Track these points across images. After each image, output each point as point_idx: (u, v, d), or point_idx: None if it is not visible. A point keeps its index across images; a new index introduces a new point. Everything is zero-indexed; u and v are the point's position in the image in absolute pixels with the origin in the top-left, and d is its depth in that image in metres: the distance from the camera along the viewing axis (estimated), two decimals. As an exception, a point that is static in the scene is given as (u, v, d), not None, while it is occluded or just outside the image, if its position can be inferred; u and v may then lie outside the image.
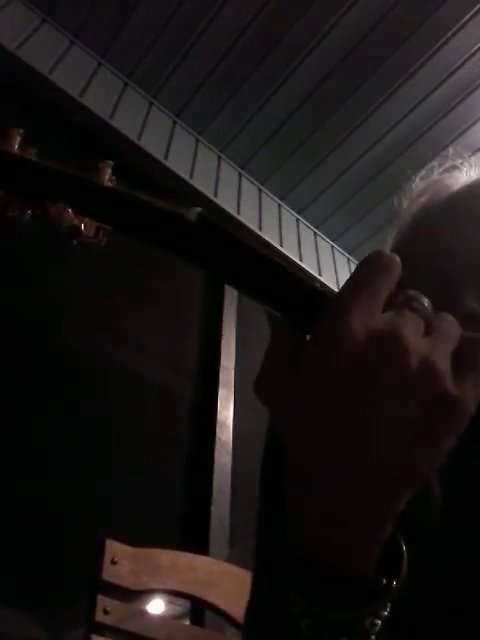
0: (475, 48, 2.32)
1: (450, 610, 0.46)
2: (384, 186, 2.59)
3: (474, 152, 0.75)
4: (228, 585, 1.07)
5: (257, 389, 0.36)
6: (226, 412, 2.11)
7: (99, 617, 0.89)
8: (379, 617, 0.34)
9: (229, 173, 2.76)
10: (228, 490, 1.91)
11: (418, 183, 0.76)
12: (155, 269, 2.19)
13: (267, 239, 2.67)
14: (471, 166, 0.73)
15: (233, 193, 2.69)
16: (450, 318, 0.36)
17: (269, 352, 0.36)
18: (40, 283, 1.91)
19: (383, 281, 0.34)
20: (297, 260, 2.76)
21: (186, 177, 2.49)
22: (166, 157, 2.46)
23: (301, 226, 2.98)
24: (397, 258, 0.35)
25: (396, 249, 0.71)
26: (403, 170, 0.78)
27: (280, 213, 2.89)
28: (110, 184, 0.36)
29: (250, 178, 2.84)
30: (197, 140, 2.70)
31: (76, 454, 1.69)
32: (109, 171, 0.37)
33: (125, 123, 2.38)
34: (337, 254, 3.08)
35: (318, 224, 3.03)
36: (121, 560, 0.95)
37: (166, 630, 0.98)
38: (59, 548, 1.50)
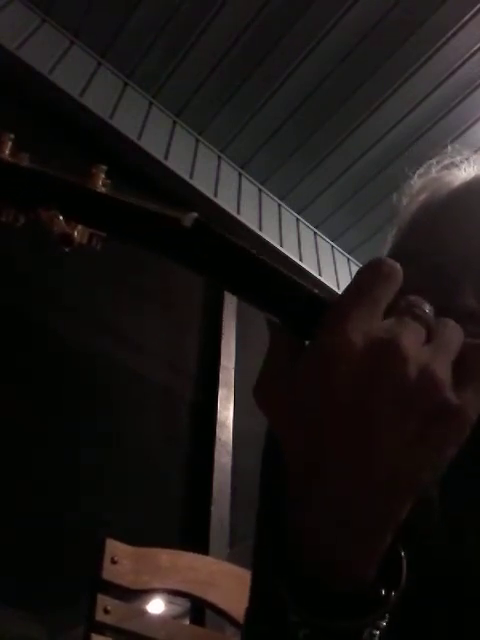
0: (475, 48, 2.32)
1: (451, 611, 0.46)
2: (384, 186, 2.59)
3: (474, 152, 0.75)
4: (228, 585, 1.07)
5: (256, 395, 0.36)
6: (226, 412, 2.11)
7: (99, 616, 0.89)
8: (378, 628, 0.34)
9: (229, 173, 2.76)
10: (228, 490, 1.91)
11: (417, 180, 0.75)
12: (155, 269, 2.19)
13: (267, 239, 2.67)
14: (470, 163, 0.72)
15: (233, 193, 2.69)
16: (452, 324, 0.36)
17: (268, 358, 0.36)
18: (40, 283, 1.91)
19: (384, 288, 0.34)
20: (297, 260, 2.76)
21: (186, 177, 2.49)
22: (166, 157, 2.46)
23: (301, 226, 2.98)
24: (398, 266, 0.35)
25: (395, 247, 0.71)
26: (403, 170, 0.78)
27: (280, 213, 2.89)
28: (103, 189, 0.35)
29: (250, 178, 2.84)
30: (197, 140, 2.70)
31: (76, 454, 1.69)
32: (102, 176, 0.36)
33: (125, 123, 2.38)
34: (337, 254, 3.08)
35: (318, 224, 3.03)
36: (121, 559, 0.95)
37: (166, 629, 0.98)
38: (59, 548, 1.50)
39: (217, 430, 2.03)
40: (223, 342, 2.32)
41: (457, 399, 0.32)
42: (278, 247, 2.71)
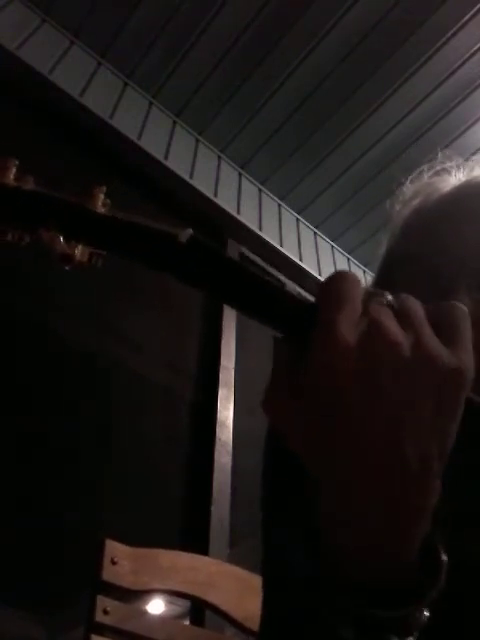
0: (475, 48, 2.32)
1: (453, 612, 0.46)
2: (384, 186, 2.58)
3: (474, 153, 0.75)
4: (228, 585, 1.07)
5: (267, 411, 0.37)
6: (226, 412, 2.11)
7: (99, 617, 0.89)
8: (422, 616, 0.35)
9: (229, 173, 2.76)
10: (228, 490, 1.91)
11: (409, 186, 0.76)
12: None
13: (267, 239, 2.67)
14: (460, 169, 0.74)
15: (233, 193, 2.70)
16: (406, 296, 0.37)
17: (273, 373, 0.37)
18: (40, 283, 1.91)
19: (357, 292, 0.35)
20: (297, 260, 2.76)
21: (186, 177, 2.49)
22: (166, 157, 2.46)
23: (301, 226, 2.98)
24: (355, 274, 0.37)
25: (390, 252, 0.71)
26: (403, 170, 0.78)
27: (280, 213, 2.89)
28: (103, 209, 0.37)
29: (250, 178, 2.84)
30: (197, 140, 2.70)
31: (76, 454, 1.69)
32: (102, 196, 0.37)
33: (125, 123, 2.38)
34: (337, 254, 3.08)
35: (318, 224, 3.03)
36: (121, 560, 0.95)
37: (166, 630, 0.98)
38: (59, 548, 1.50)
39: (217, 430, 2.03)
40: (223, 342, 2.32)
41: (454, 360, 0.34)
42: (278, 247, 2.71)
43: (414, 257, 0.66)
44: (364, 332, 0.33)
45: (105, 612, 0.89)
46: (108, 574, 0.93)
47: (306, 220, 3.00)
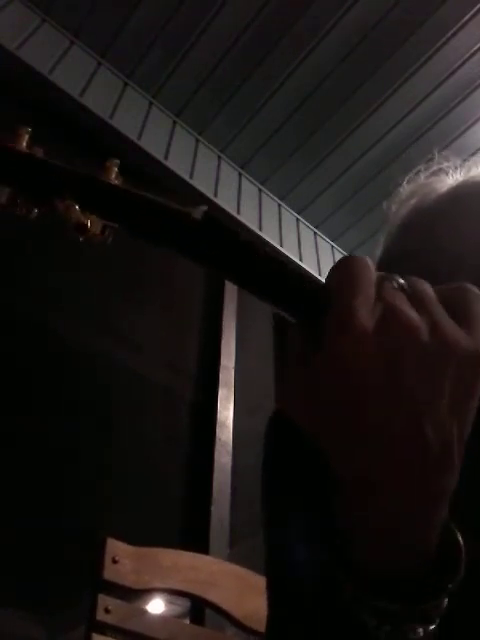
0: (475, 48, 2.32)
1: (454, 613, 0.45)
2: (384, 186, 2.58)
3: (474, 153, 0.76)
4: (229, 584, 1.07)
5: (282, 399, 0.37)
6: (226, 412, 2.11)
7: (100, 616, 0.89)
8: (441, 608, 0.35)
9: (229, 173, 2.76)
10: (228, 490, 1.91)
11: (406, 187, 0.77)
12: (155, 269, 2.20)
13: (267, 239, 2.67)
14: (457, 169, 0.74)
15: (233, 193, 2.70)
16: (416, 279, 0.37)
17: (287, 362, 0.37)
18: (40, 283, 1.91)
19: (369, 276, 0.35)
20: (297, 260, 2.76)
21: (186, 177, 2.49)
22: (166, 157, 2.46)
23: (301, 226, 2.98)
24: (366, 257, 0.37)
25: (387, 251, 0.72)
26: (403, 170, 0.78)
27: (280, 213, 2.89)
28: (117, 182, 0.37)
29: (250, 178, 2.84)
30: (197, 140, 2.70)
31: (76, 454, 1.69)
32: (115, 170, 0.37)
33: (125, 123, 2.38)
34: (337, 254, 3.08)
35: (318, 224, 3.03)
36: (122, 559, 0.95)
37: (167, 629, 0.98)
38: (59, 548, 1.50)
39: (217, 430, 2.03)
40: (223, 342, 2.32)
41: (472, 343, 0.34)
42: (278, 247, 2.71)
43: (412, 255, 0.66)
44: (380, 317, 0.33)
45: (106, 611, 0.89)
46: (109, 573, 0.93)
47: (306, 220, 3.01)
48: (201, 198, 2.49)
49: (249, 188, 2.82)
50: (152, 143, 2.43)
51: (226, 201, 2.60)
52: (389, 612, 0.34)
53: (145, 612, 1.05)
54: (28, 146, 0.36)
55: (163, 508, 1.83)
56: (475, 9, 2.21)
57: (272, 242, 2.69)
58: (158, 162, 2.42)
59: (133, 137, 2.37)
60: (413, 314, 0.33)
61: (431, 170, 0.75)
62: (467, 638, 0.46)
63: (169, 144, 2.53)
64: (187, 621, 1.45)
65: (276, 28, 2.33)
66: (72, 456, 1.67)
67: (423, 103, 2.50)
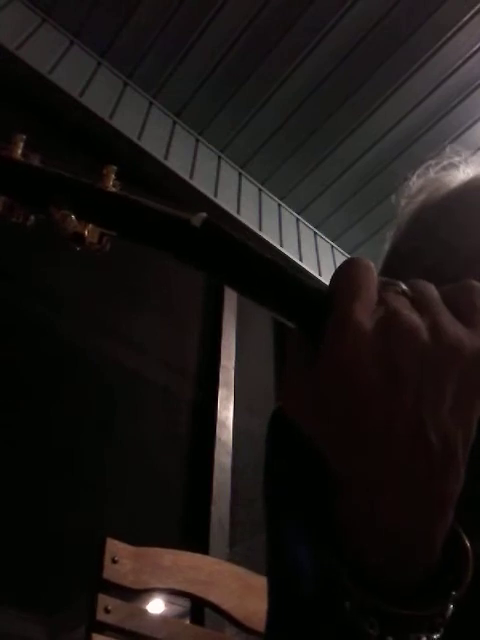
0: (475, 48, 2.32)
1: (455, 615, 0.45)
2: (384, 186, 2.59)
3: (474, 152, 0.75)
4: (229, 584, 1.07)
5: (286, 405, 0.36)
6: (226, 412, 2.11)
7: (100, 616, 0.89)
8: (446, 614, 0.34)
9: (229, 173, 2.76)
10: (228, 490, 1.91)
11: (415, 181, 0.76)
12: (155, 269, 2.20)
13: (267, 239, 2.67)
14: (468, 164, 0.73)
15: (233, 193, 2.70)
16: (417, 281, 0.36)
17: (288, 366, 0.36)
18: (40, 283, 1.91)
19: (372, 279, 0.35)
20: (297, 260, 2.76)
21: (186, 177, 2.49)
22: (166, 157, 2.46)
23: (301, 226, 2.98)
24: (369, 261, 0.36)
25: (395, 247, 0.71)
26: (403, 170, 0.78)
27: (280, 213, 2.89)
28: (114, 189, 0.36)
29: (250, 178, 2.84)
30: (197, 140, 2.70)
31: (76, 454, 1.69)
32: (113, 176, 0.37)
33: (125, 123, 2.38)
34: (337, 254, 3.08)
35: (318, 224, 3.03)
36: (122, 559, 0.95)
37: (167, 629, 0.98)
38: (59, 548, 1.50)
39: (217, 430, 2.03)
40: (223, 342, 2.32)
41: (476, 342, 0.33)
42: (278, 247, 2.71)
43: (420, 252, 0.65)
44: (381, 320, 0.33)
45: (106, 611, 0.89)
46: (109, 573, 0.93)
47: (306, 220, 3.00)
48: (201, 198, 2.49)
49: (249, 188, 2.81)
50: (152, 143, 2.43)
51: (226, 201, 2.60)
52: (391, 619, 0.34)
53: (145, 612, 1.04)
54: (24, 154, 0.36)
55: (163, 508, 1.83)
56: (475, 9, 2.21)
57: (272, 242, 2.68)
58: (158, 162, 2.42)
59: (133, 137, 2.37)
60: (414, 316, 0.33)
61: (441, 165, 0.75)
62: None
63: (169, 144, 2.53)
64: (187, 621, 1.44)
65: (276, 28, 2.33)
66: (72, 456, 1.67)
67: (423, 103, 2.50)
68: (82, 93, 2.29)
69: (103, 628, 0.89)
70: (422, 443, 0.32)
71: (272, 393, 2.34)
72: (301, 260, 2.79)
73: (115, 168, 0.37)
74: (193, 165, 2.57)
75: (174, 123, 2.64)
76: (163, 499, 1.85)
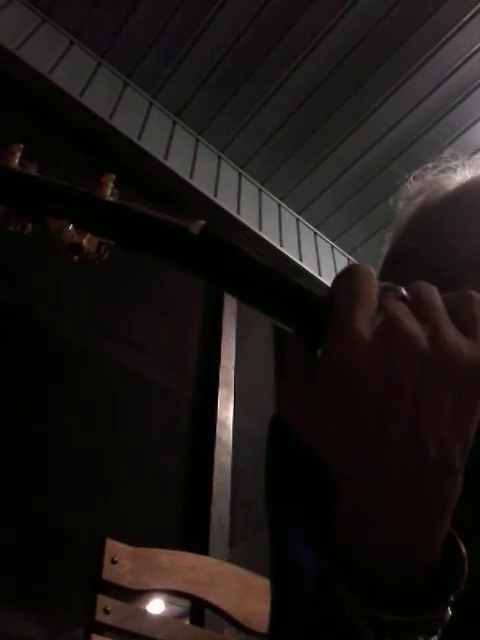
0: (475, 48, 2.32)
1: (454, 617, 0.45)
2: (384, 186, 2.59)
3: (474, 152, 0.75)
4: (228, 585, 1.07)
5: (283, 410, 0.37)
6: (226, 412, 2.11)
7: (99, 617, 0.89)
8: (444, 619, 0.34)
9: (229, 173, 2.76)
10: (228, 490, 1.91)
11: (413, 183, 0.76)
12: (155, 269, 2.20)
13: (267, 239, 2.67)
14: (465, 167, 0.73)
15: (233, 193, 2.69)
16: (419, 284, 0.36)
17: (287, 372, 0.36)
18: (40, 283, 1.91)
19: (372, 286, 0.35)
20: (297, 260, 2.76)
21: (186, 177, 2.49)
22: (166, 157, 2.46)
23: (301, 226, 2.98)
24: (370, 267, 0.36)
25: (394, 249, 0.71)
26: (403, 170, 0.78)
27: (280, 213, 2.89)
28: (112, 198, 0.36)
29: (250, 178, 2.84)
30: (197, 140, 2.70)
31: (76, 454, 1.69)
32: (111, 185, 0.36)
33: (125, 123, 2.38)
34: (337, 254, 3.08)
35: (318, 224, 3.03)
36: (121, 560, 0.95)
37: (166, 630, 0.98)
38: (59, 548, 1.50)
39: (217, 430, 2.03)
40: (223, 342, 2.32)
41: (475, 352, 0.33)
42: (278, 247, 2.71)
43: (419, 255, 0.65)
44: (380, 327, 0.33)
45: (106, 611, 0.89)
46: (108, 573, 0.93)
47: (306, 220, 3.00)
48: (201, 198, 2.49)
49: (249, 188, 2.81)
50: (152, 143, 2.43)
51: (226, 201, 2.60)
52: (388, 624, 0.34)
53: (144, 613, 1.04)
54: (21, 163, 0.36)
55: (163, 508, 1.83)
56: (475, 9, 2.21)
57: (272, 242, 2.68)
58: (158, 162, 2.41)
59: (133, 137, 2.37)
60: (413, 324, 0.33)
61: (439, 168, 0.75)
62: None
63: (169, 144, 2.52)
64: (187, 622, 1.45)
65: (276, 28, 2.33)
66: (72, 456, 1.67)
67: (423, 103, 2.50)
68: (82, 93, 2.29)
69: (102, 629, 0.89)
70: (419, 450, 0.32)
71: (272, 393, 2.34)
72: (301, 260, 2.79)
73: (114, 177, 0.36)
74: (193, 165, 2.57)
75: (174, 123, 2.64)
76: (163, 499, 1.85)
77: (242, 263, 0.35)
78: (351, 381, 0.32)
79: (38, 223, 0.36)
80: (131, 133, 2.37)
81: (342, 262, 3.07)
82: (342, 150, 2.69)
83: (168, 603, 1.69)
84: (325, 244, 3.06)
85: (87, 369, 1.89)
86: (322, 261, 2.93)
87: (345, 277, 0.35)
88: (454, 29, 2.27)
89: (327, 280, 2.83)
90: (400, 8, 2.21)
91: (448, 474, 0.33)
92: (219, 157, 2.76)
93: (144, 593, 1.05)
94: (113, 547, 0.96)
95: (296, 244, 2.86)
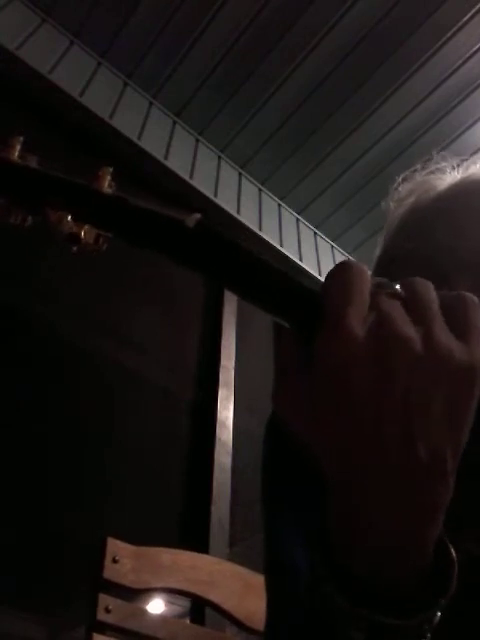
0: (475, 48, 2.32)
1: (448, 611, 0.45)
2: (384, 186, 2.58)
3: (474, 152, 0.75)
4: (229, 584, 1.07)
5: (278, 407, 0.36)
6: (226, 412, 2.11)
7: (101, 616, 0.89)
8: (432, 622, 0.34)
9: (229, 173, 2.76)
10: (228, 490, 1.91)
11: (403, 186, 0.76)
12: (155, 269, 2.20)
13: (267, 239, 2.67)
14: (454, 168, 0.73)
15: (233, 193, 2.70)
16: (414, 280, 0.36)
17: (281, 369, 0.36)
18: (40, 283, 1.91)
19: (365, 282, 0.34)
20: (297, 260, 2.76)
21: (186, 177, 2.49)
22: (166, 157, 2.46)
23: (301, 226, 2.98)
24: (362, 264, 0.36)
25: (386, 250, 0.71)
26: (403, 170, 0.78)
27: (280, 213, 2.89)
28: (110, 191, 0.36)
29: (250, 178, 2.84)
30: (197, 140, 2.70)
31: (76, 454, 1.69)
32: (109, 177, 0.37)
33: (125, 123, 2.38)
34: (337, 254, 3.08)
35: (318, 224, 3.03)
36: (122, 559, 0.95)
37: (167, 629, 0.98)
38: (59, 548, 1.50)
39: (217, 430, 2.03)
40: (223, 342, 2.32)
41: (467, 355, 0.33)
42: (278, 247, 2.71)
43: (412, 255, 0.65)
44: (373, 325, 0.32)
45: (107, 610, 0.89)
46: (110, 572, 0.93)
47: (306, 220, 3.00)
48: (201, 198, 2.49)
49: (249, 188, 2.81)
50: (152, 143, 2.43)
51: (226, 201, 2.60)
52: (378, 626, 0.34)
53: (145, 612, 1.04)
54: (21, 155, 0.36)
55: (163, 507, 1.83)
56: (475, 9, 2.21)
57: (272, 242, 2.69)
58: (158, 162, 2.42)
59: (133, 137, 2.37)
60: (406, 324, 0.33)
61: (428, 169, 0.75)
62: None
63: (169, 144, 2.53)
64: (187, 621, 1.45)
65: (276, 28, 2.33)
66: (72, 456, 1.67)
67: (423, 103, 2.50)
68: (82, 93, 2.29)
69: (104, 628, 0.89)
70: (411, 452, 0.32)
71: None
72: (301, 260, 2.79)
73: (111, 169, 0.37)
74: (193, 165, 2.57)
75: (174, 123, 2.64)
76: (163, 499, 1.85)
77: (237, 256, 0.35)
78: (343, 380, 0.32)
79: (38, 216, 0.36)
80: (131, 133, 2.37)
81: (342, 262, 3.06)
82: (342, 150, 2.69)
83: (169, 602, 1.69)
84: (325, 244, 3.06)
85: (87, 369, 1.89)
86: (322, 261, 2.93)
87: (337, 273, 0.35)
88: (454, 29, 2.27)
89: (327, 280, 2.82)
90: (400, 8, 2.22)
91: (439, 477, 0.33)
92: (219, 157, 2.76)
93: (145, 592, 1.05)
94: (114, 546, 0.96)
95: (296, 244, 2.86)
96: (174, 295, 2.34)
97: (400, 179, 0.77)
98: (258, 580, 1.09)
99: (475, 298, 0.36)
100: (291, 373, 0.36)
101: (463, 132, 2.55)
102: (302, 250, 2.85)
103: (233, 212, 2.60)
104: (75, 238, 0.36)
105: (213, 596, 1.03)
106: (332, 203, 2.92)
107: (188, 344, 2.33)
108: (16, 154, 0.36)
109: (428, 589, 0.34)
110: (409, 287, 0.35)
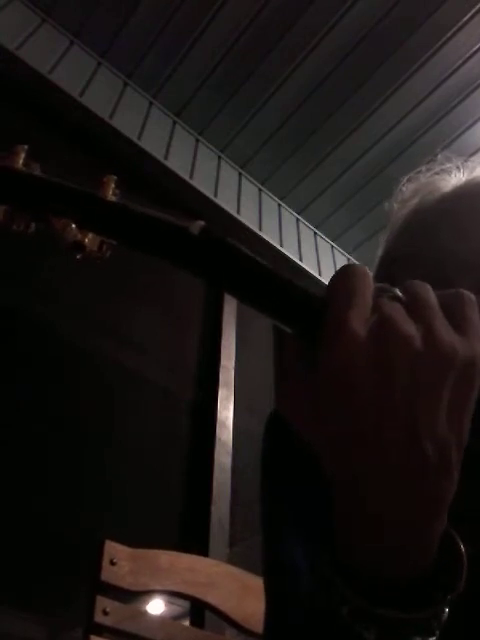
0: (475, 48, 2.32)
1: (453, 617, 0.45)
2: (384, 186, 2.58)
3: (474, 153, 0.75)
4: (228, 586, 1.07)
5: (282, 409, 0.37)
6: (226, 412, 2.11)
7: (98, 618, 0.89)
8: (442, 616, 0.35)
9: (229, 173, 2.76)
10: (228, 490, 1.91)
11: (407, 186, 0.76)
12: (155, 269, 2.19)
13: (267, 239, 2.67)
14: (459, 169, 0.73)
15: (233, 193, 2.69)
16: (413, 283, 0.37)
17: (284, 371, 0.37)
18: (40, 283, 1.91)
19: (367, 286, 0.35)
20: (297, 260, 2.76)
21: (186, 177, 2.49)
22: (166, 157, 2.46)
23: (301, 226, 2.98)
24: (365, 267, 0.37)
25: (389, 251, 0.71)
26: (403, 170, 0.78)
27: (280, 213, 2.89)
28: (113, 198, 0.37)
29: (250, 178, 2.84)
30: (197, 140, 2.70)
31: (76, 454, 1.69)
32: (113, 185, 0.37)
33: (125, 123, 2.38)
34: (337, 254, 3.08)
35: (318, 224, 3.03)
36: (120, 561, 0.95)
37: (165, 631, 0.98)
38: (59, 548, 1.50)
39: (217, 430, 2.03)
40: (223, 342, 2.32)
41: (468, 350, 0.33)
42: (278, 247, 2.71)
43: (415, 256, 0.65)
44: (375, 327, 0.33)
45: (105, 613, 0.89)
46: (107, 575, 0.93)
47: (306, 220, 3.00)
48: (201, 198, 2.49)
49: (249, 188, 2.81)
50: (152, 143, 2.43)
51: (226, 201, 2.60)
52: (388, 623, 0.34)
53: (143, 614, 1.05)
54: (25, 163, 0.36)
55: (163, 508, 1.83)
56: (475, 9, 2.20)
57: (272, 242, 2.68)
58: (158, 162, 2.41)
59: (133, 137, 2.37)
60: (408, 323, 0.33)
61: (433, 171, 0.75)
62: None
63: (169, 144, 2.53)
64: (186, 623, 1.45)
65: (276, 28, 2.33)
66: (72, 456, 1.67)
67: (423, 103, 2.50)
68: (82, 93, 2.29)
69: (101, 630, 0.89)
70: (416, 448, 0.33)
71: (272, 393, 2.34)
72: (301, 260, 2.79)
73: (115, 177, 0.37)
74: (193, 165, 2.57)
75: (174, 123, 2.64)
76: (163, 499, 1.85)
77: (240, 263, 0.36)
78: (347, 381, 0.33)
79: (41, 222, 0.37)
80: (131, 133, 2.37)
81: (342, 262, 3.06)
82: (342, 150, 2.69)
83: (168, 604, 1.69)
84: (325, 244, 3.06)
85: (87, 369, 1.89)
86: (322, 261, 2.93)
87: (340, 277, 0.35)
88: (454, 29, 2.27)
89: (327, 280, 2.81)
90: (400, 8, 2.21)
91: (444, 473, 0.33)
92: (219, 157, 2.76)
93: (143, 594, 1.05)
94: (112, 548, 0.96)
95: (296, 244, 2.85)
96: (174, 295, 2.34)
97: (404, 180, 0.77)
98: (256, 582, 1.09)
99: (472, 295, 0.37)
100: (294, 374, 0.36)
101: (463, 132, 2.54)
102: (302, 250, 2.85)
103: (233, 212, 2.60)
104: (79, 246, 0.37)
105: (211, 598, 1.03)
106: (332, 203, 2.92)
107: (188, 344, 2.33)
108: (20, 162, 0.36)
109: (436, 583, 0.35)
110: (409, 289, 0.36)
